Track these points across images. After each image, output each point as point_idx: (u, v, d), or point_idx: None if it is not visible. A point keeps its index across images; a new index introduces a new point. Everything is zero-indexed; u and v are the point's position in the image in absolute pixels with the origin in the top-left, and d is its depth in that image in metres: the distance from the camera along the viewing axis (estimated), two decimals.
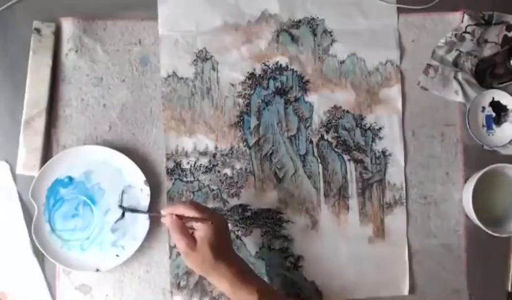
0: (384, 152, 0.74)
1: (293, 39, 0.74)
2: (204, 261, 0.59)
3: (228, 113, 0.73)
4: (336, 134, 0.74)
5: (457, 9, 0.75)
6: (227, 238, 0.64)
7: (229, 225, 0.71)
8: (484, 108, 0.75)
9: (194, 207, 0.60)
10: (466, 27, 0.74)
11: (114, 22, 0.73)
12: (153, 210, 0.70)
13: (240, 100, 0.73)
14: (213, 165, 0.72)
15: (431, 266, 0.73)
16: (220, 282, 0.60)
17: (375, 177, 0.74)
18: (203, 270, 0.60)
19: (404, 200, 0.73)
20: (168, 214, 0.61)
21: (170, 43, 0.73)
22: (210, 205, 0.71)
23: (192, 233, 0.61)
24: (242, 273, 0.60)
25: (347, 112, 0.74)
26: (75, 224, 0.69)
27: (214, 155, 0.72)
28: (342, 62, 0.75)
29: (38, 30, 0.70)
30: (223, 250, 0.60)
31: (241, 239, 0.72)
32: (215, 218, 0.61)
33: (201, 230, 0.60)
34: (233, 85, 0.73)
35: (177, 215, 0.61)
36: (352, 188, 0.73)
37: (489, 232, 0.69)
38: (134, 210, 0.68)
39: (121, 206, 0.69)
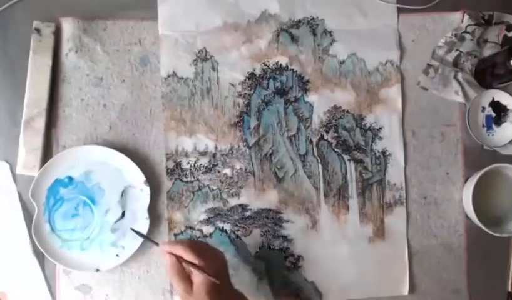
0: (383, 152, 0.74)
1: (293, 39, 0.74)
2: None
3: (228, 113, 0.73)
4: (336, 134, 0.74)
5: (457, 9, 0.75)
6: (224, 278, 0.62)
7: (229, 226, 0.71)
8: (484, 108, 0.75)
9: (193, 250, 0.59)
10: (466, 27, 0.74)
11: (114, 22, 0.73)
12: (153, 212, 0.70)
13: (240, 100, 0.73)
14: (213, 165, 0.72)
15: (431, 266, 0.73)
16: None
17: (375, 177, 0.74)
18: None
19: (404, 200, 0.73)
20: (166, 253, 0.60)
21: (170, 43, 0.73)
22: (210, 205, 0.71)
23: (189, 275, 0.59)
24: None
25: (347, 112, 0.74)
26: (75, 224, 0.69)
27: (214, 155, 0.72)
28: (342, 62, 0.74)
29: (38, 30, 0.70)
30: (219, 292, 0.59)
31: (241, 239, 0.72)
32: (212, 262, 0.60)
33: (197, 275, 0.58)
34: (233, 85, 0.73)
35: (176, 256, 0.60)
36: (352, 188, 0.73)
37: (489, 232, 0.69)
38: (143, 236, 0.67)
39: (133, 229, 0.68)
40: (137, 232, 0.67)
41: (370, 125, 0.74)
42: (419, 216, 0.74)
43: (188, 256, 0.59)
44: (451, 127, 0.75)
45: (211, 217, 0.71)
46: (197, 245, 0.62)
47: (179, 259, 0.60)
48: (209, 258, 0.60)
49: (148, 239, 0.67)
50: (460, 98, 0.74)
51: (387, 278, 0.72)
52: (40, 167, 0.68)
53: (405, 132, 0.74)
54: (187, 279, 0.59)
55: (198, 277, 0.58)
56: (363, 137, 0.74)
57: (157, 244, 0.64)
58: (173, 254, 0.60)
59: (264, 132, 0.73)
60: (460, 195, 0.74)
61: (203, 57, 0.73)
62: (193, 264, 0.59)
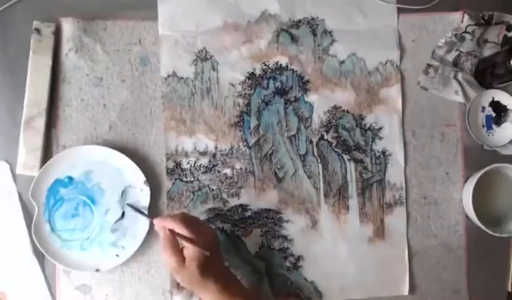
0: (383, 152, 0.74)
1: (293, 39, 0.74)
2: (192, 278, 0.59)
3: (228, 113, 0.73)
4: (336, 134, 0.74)
5: (457, 9, 0.75)
6: (216, 254, 0.62)
7: (228, 225, 0.71)
8: (484, 108, 0.75)
9: (184, 223, 0.60)
10: (466, 27, 0.74)
11: (114, 22, 0.73)
12: (153, 212, 0.70)
13: (240, 100, 0.73)
14: (213, 165, 0.72)
15: (431, 266, 0.73)
16: (207, 297, 0.60)
17: (375, 177, 0.74)
18: (190, 286, 0.61)
19: (404, 200, 0.73)
20: (161, 227, 0.61)
21: (170, 43, 0.73)
22: (210, 205, 0.71)
23: (182, 249, 0.60)
24: (229, 288, 0.60)
25: (347, 112, 0.74)
26: (75, 224, 0.69)
27: (214, 155, 0.72)
28: (342, 62, 0.75)
29: (38, 30, 0.70)
30: (210, 267, 0.60)
31: (241, 239, 0.72)
32: (204, 236, 0.60)
33: (189, 248, 0.59)
34: (233, 85, 0.73)
35: (170, 230, 0.60)
36: (352, 188, 0.73)
37: (489, 232, 0.69)
38: (137, 210, 0.68)
39: (128, 204, 0.69)
40: (131, 206, 0.68)
41: (370, 125, 0.74)
42: (419, 216, 0.74)
43: (180, 229, 0.60)
44: (451, 127, 0.75)
45: (211, 217, 0.71)
46: (189, 219, 0.62)
47: (172, 232, 0.60)
48: (201, 232, 0.61)
49: (143, 213, 0.68)
50: (460, 98, 0.74)
51: (387, 278, 0.72)
52: (41, 167, 0.68)
53: (405, 132, 0.74)
54: (180, 253, 0.59)
55: (189, 252, 0.59)
56: (363, 137, 0.74)
57: (146, 216, 0.66)
58: (166, 228, 0.60)
59: (264, 132, 0.73)
60: (460, 195, 0.74)
61: (203, 57, 0.73)
62: (184, 237, 0.59)
